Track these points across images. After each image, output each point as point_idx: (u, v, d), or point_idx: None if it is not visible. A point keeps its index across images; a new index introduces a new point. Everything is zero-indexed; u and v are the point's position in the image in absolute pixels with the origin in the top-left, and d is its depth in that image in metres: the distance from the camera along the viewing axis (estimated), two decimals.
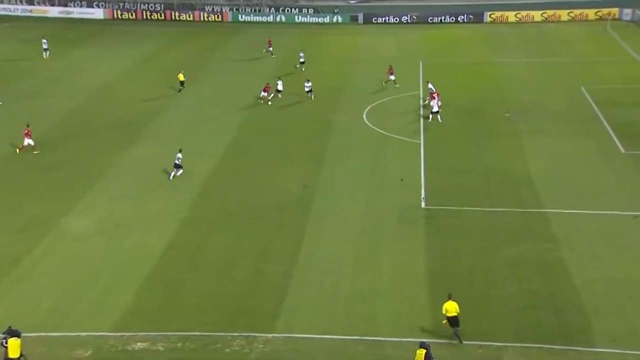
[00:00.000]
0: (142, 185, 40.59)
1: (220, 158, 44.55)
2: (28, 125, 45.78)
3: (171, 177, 41.24)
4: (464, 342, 26.58)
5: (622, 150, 44.11)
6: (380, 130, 49.07)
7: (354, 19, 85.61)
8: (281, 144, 46.60)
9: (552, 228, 34.88)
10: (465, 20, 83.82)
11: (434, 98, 50.69)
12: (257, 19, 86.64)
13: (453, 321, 26.59)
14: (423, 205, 37.90)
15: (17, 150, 45.12)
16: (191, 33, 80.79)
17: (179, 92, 57.47)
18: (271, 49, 69.63)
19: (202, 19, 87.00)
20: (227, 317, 28.66)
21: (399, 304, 29.40)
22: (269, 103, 53.88)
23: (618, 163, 42.44)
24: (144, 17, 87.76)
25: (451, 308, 26.61)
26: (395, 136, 47.94)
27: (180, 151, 41.88)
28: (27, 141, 44.95)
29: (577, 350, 26.15)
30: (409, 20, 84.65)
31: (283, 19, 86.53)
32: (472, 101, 53.24)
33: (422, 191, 39.33)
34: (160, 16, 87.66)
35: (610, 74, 60.29)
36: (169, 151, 43.67)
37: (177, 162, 41.52)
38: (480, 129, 48.83)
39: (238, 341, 27.18)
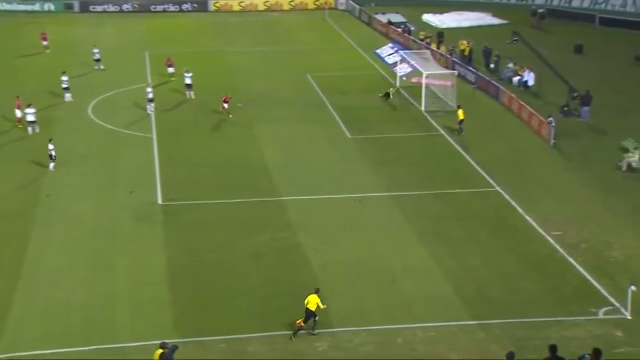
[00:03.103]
0: None
1: None
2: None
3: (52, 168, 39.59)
4: (206, 338, 26.17)
5: (348, 135, 46.34)
6: (108, 126, 46.70)
7: (69, 7, 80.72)
8: None
9: (288, 215, 35.53)
10: (190, 9, 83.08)
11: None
12: None
13: (309, 314, 26.10)
14: (159, 201, 36.69)
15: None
16: None
17: None
18: (46, 43, 63.95)
19: None
20: None
21: (140, 306, 28.12)
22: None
23: (344, 148, 44.38)
24: None
25: (312, 301, 26.16)
26: (126, 131, 45.93)
27: (50, 141, 39.26)
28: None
29: (315, 332, 26.64)
30: (130, 9, 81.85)
31: None
32: (202, 91, 52.65)
33: (158, 187, 38.08)
34: None
35: (332, 62, 63.11)
36: None
37: (51, 153, 39.02)
38: (213, 119, 48.47)
39: None
